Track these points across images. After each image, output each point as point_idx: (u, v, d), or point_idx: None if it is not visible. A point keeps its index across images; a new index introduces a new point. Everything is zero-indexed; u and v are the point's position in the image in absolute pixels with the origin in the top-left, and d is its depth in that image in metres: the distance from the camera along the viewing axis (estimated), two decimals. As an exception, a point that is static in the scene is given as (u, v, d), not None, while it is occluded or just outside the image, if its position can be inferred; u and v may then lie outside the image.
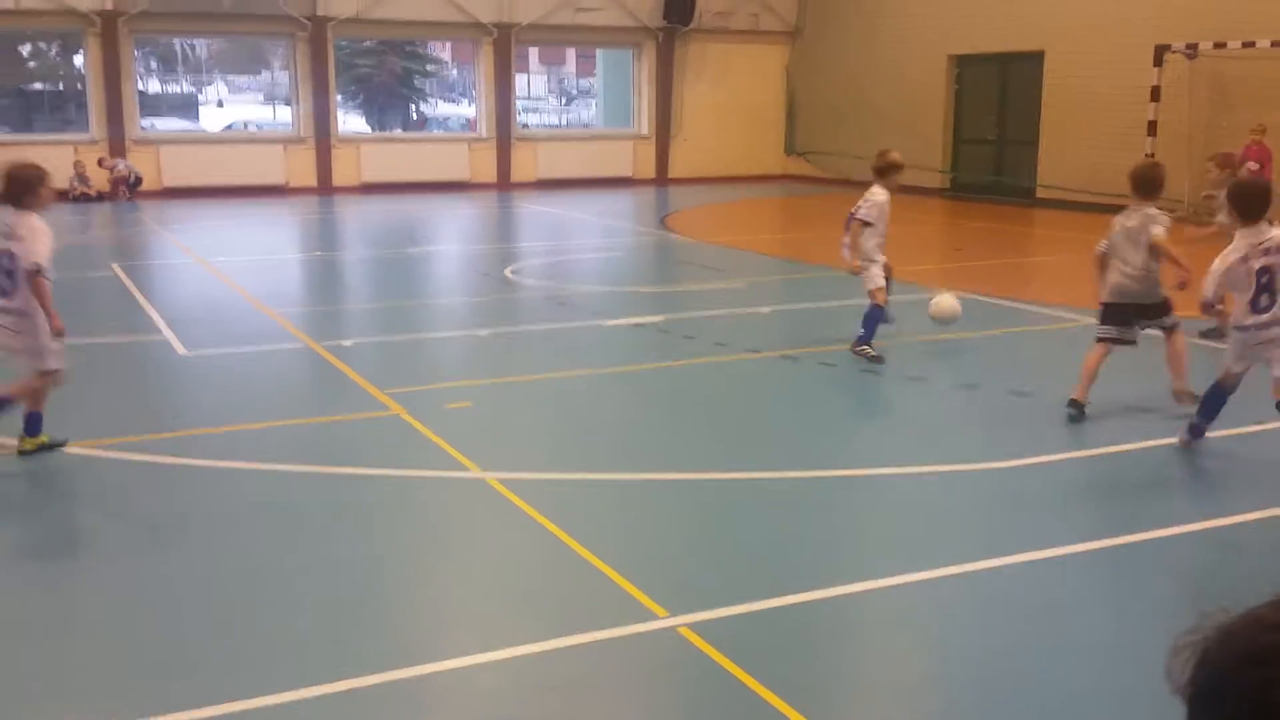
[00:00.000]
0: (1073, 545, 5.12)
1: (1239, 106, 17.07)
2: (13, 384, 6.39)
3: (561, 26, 25.06)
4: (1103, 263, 7.14)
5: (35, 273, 6.09)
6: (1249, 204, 6.24)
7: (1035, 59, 20.40)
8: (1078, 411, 7.03)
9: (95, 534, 5.55)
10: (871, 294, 8.59)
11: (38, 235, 6.15)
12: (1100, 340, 7.15)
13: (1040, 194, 20.21)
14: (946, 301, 9.33)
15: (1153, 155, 17.36)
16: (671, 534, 5.40)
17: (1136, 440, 6.68)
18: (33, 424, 6.40)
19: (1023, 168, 20.94)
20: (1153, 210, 6.97)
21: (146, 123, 26.35)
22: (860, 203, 8.55)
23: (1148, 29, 17.99)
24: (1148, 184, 7.03)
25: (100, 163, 21.52)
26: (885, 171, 8.53)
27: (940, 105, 22.43)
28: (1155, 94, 17.61)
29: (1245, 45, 16.32)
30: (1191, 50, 17.21)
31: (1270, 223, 6.19)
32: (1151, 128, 17.58)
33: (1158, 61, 17.57)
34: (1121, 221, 7.03)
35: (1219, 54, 16.91)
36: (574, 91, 53.28)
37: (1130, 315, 7.05)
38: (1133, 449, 6.56)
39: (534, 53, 46.09)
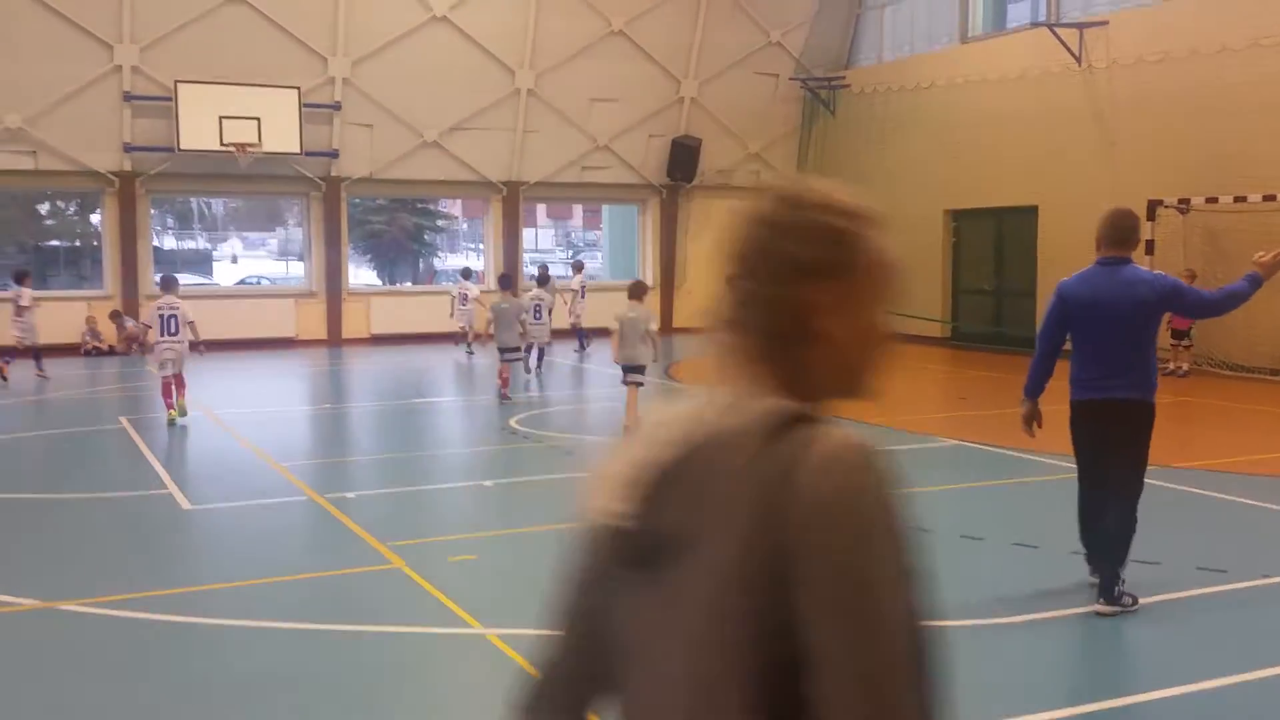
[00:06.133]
0: (1084, 706, 5.02)
1: (1232, 257, 17.36)
2: None
3: (568, 184, 25.76)
4: None
5: None
6: None
7: (1030, 213, 20.85)
8: None
9: (96, 699, 5.47)
10: None
11: None
12: None
13: (1041, 344, 20.38)
14: None
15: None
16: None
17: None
18: None
19: (1021, 317, 21.19)
20: None
21: (160, 279, 26.86)
22: None
23: (1139, 186, 18.44)
24: None
25: (112, 317, 21.86)
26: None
27: (939, 257, 22.84)
28: (1150, 247, 17.93)
29: (1237, 200, 16.70)
30: (1184, 205, 17.60)
31: None
32: (1148, 279, 17.84)
33: (1150, 216, 17.95)
34: None
35: (1211, 208, 17.29)
36: (581, 244, 54.29)
37: None
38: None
39: (541, 208, 47.19)
